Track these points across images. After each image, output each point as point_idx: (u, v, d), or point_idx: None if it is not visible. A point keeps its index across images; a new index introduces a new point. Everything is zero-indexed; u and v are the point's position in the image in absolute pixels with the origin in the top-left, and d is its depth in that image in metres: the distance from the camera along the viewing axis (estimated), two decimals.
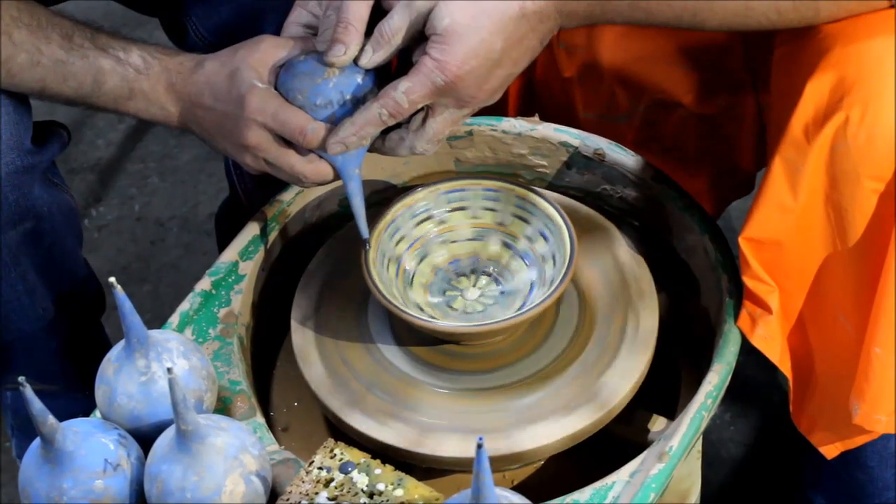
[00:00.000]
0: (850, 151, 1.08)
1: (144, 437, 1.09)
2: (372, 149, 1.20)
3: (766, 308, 1.17)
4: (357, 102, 1.16)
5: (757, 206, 1.15)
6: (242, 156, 1.21)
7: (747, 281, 1.18)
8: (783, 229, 1.14)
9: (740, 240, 1.16)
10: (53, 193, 1.35)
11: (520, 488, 1.19)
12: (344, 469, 1.08)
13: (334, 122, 1.17)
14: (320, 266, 1.30)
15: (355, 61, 1.15)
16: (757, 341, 1.18)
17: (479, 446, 0.90)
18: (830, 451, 1.22)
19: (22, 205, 1.29)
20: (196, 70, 1.22)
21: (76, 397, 1.52)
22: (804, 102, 1.10)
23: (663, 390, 1.27)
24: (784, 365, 1.21)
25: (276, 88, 1.18)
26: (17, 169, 1.26)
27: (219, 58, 1.21)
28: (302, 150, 1.19)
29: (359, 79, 1.16)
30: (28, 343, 1.43)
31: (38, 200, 1.31)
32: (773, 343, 1.18)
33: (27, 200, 1.29)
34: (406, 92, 1.12)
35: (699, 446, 1.31)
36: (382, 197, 1.39)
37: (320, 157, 1.19)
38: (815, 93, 1.09)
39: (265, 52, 1.18)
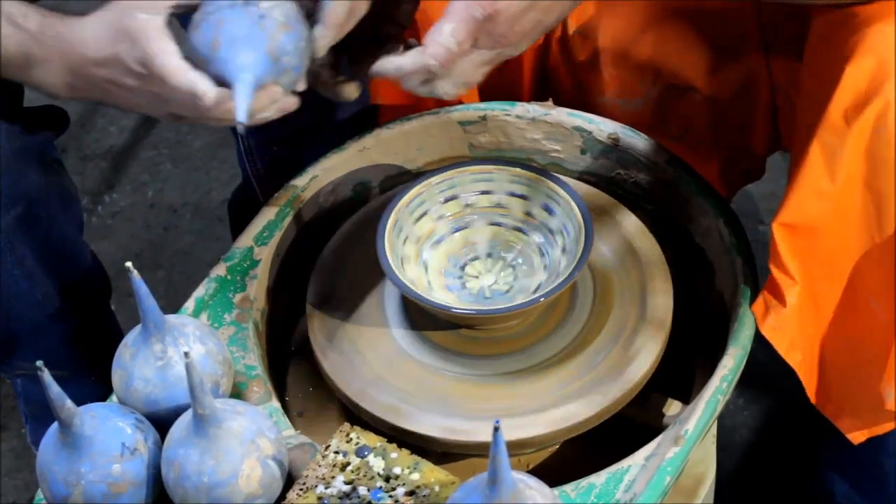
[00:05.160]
0: (890, 137, 1.07)
1: (161, 422, 1.09)
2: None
3: (782, 300, 1.16)
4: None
5: (792, 190, 1.13)
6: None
7: (773, 269, 1.16)
8: (819, 214, 1.13)
9: (774, 225, 1.14)
10: (51, 178, 1.34)
11: (536, 472, 1.18)
12: (360, 453, 1.08)
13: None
14: (335, 251, 1.30)
15: None
16: (766, 330, 1.17)
17: (497, 429, 0.90)
18: (857, 436, 1.20)
19: (14, 188, 1.28)
20: (82, 31, 1.10)
21: (85, 383, 1.52)
22: (843, 86, 1.08)
23: (678, 375, 1.27)
24: (792, 357, 1.19)
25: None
26: (8, 151, 1.26)
27: (103, 17, 1.09)
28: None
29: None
30: (32, 330, 1.42)
31: (33, 184, 1.30)
32: (781, 334, 1.17)
33: (20, 184, 1.28)
34: (453, 34, 1.08)
35: (714, 430, 1.31)
36: (396, 182, 1.39)
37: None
38: (854, 77, 1.08)
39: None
